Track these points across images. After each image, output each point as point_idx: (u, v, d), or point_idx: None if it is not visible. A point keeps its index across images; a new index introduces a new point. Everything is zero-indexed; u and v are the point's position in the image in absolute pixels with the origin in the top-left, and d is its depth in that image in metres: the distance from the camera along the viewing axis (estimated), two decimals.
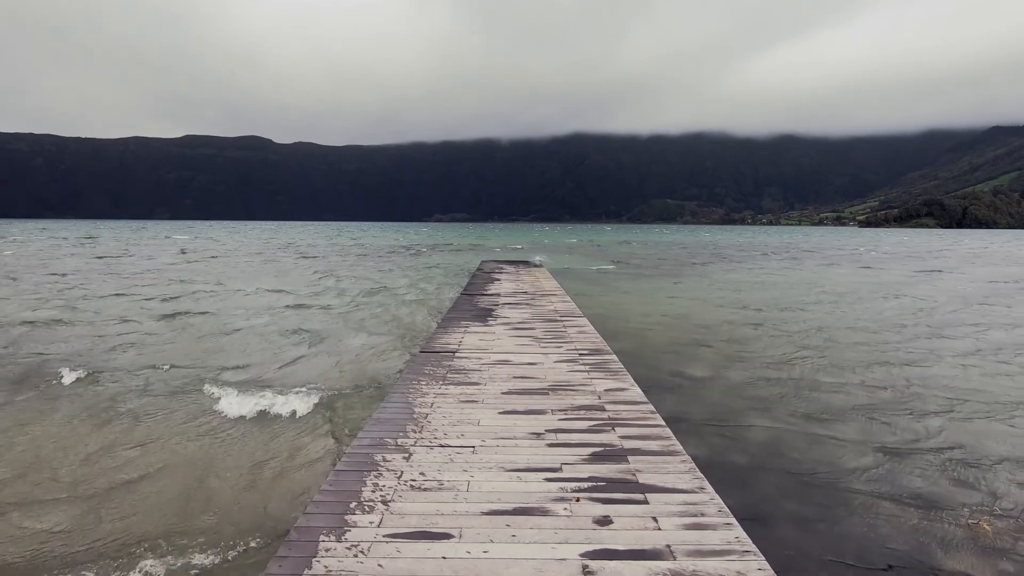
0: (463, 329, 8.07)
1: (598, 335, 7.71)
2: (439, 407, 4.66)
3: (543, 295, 12.14)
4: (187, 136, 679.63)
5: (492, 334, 7.77)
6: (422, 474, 3.42)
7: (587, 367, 5.96)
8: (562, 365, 6.06)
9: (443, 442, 3.92)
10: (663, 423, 4.30)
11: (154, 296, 16.01)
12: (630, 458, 3.65)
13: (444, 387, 5.23)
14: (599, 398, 4.90)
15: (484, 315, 9.36)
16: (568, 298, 11.76)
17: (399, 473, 3.43)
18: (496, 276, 16.67)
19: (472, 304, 10.67)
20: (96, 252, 37.06)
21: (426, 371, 5.78)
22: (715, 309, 14.55)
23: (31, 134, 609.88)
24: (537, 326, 8.38)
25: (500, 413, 4.52)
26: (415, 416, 4.43)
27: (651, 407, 4.66)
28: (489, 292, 12.61)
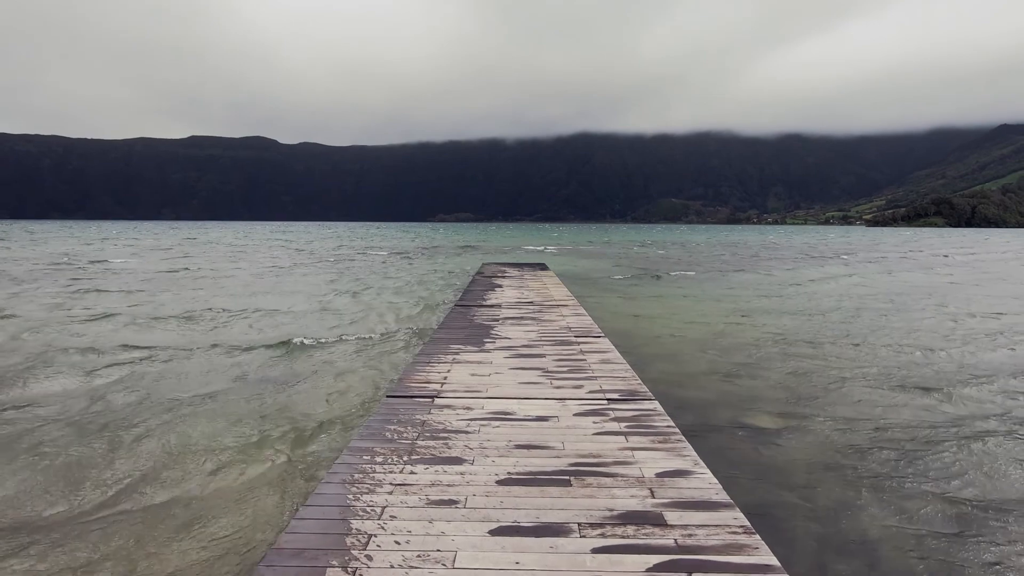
0: (451, 357, 6.25)
1: (627, 366, 5.88)
2: (394, 516, 2.85)
3: (552, 306, 10.32)
4: (192, 137, 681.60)
5: (488, 364, 5.96)
6: None
7: (623, 425, 4.14)
8: (586, 421, 4.24)
9: None
10: (772, 558, 2.49)
11: None
12: None
13: (409, 469, 3.41)
14: (651, 493, 3.08)
15: (480, 335, 7.55)
16: (582, 309, 9.94)
17: None
18: (498, 281, 14.86)
19: (467, 319, 8.85)
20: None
21: (388, 433, 3.97)
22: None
23: (38, 135, 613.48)
24: (547, 351, 6.57)
25: (493, 533, 2.70)
26: (348, 542, 2.62)
27: (741, 517, 2.83)
28: (488, 302, 10.80)
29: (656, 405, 4.58)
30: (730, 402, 6.91)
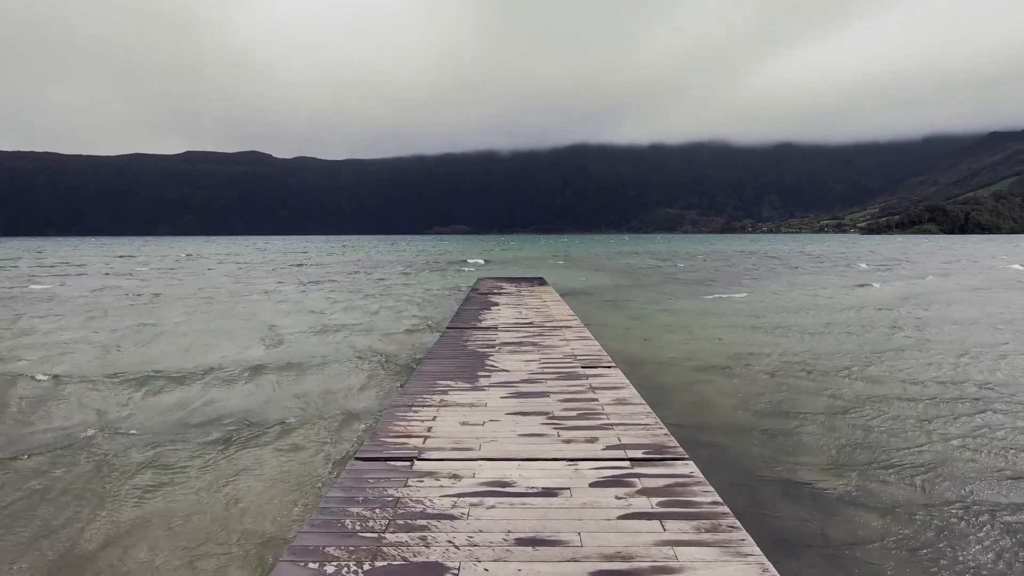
0: (439, 398, 5.31)
1: (648, 408, 4.94)
2: None
3: (553, 327, 9.39)
4: (187, 152, 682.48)
5: (482, 408, 5.01)
6: None
7: (654, 501, 3.20)
8: (606, 495, 3.29)
9: None
10: None
11: None
12: None
13: None
14: None
15: (473, 366, 6.61)
16: (586, 331, 9.02)
17: None
18: (493, 298, 13.94)
19: (459, 345, 7.91)
20: None
21: (348, 520, 3.01)
22: None
23: (33, 152, 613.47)
24: (551, 387, 5.63)
25: None
26: None
27: None
28: (483, 324, 9.86)
29: (692, 468, 3.64)
30: (779, 466, 5.51)
